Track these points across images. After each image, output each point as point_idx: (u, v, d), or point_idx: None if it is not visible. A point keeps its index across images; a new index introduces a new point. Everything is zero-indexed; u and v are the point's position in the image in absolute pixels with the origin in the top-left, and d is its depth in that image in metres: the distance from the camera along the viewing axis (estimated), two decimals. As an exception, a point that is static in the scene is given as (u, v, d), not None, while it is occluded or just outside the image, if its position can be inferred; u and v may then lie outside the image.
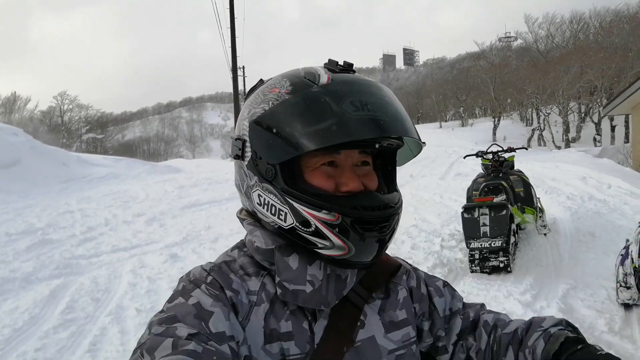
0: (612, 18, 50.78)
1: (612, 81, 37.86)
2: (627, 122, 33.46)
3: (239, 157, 1.21)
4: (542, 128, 41.34)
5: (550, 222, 8.69)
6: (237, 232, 9.58)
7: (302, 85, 1.14)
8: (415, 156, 1.41)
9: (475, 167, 14.09)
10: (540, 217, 8.28)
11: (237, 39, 29.94)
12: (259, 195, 1.19)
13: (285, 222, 1.15)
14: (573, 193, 11.03)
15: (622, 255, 5.54)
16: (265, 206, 1.18)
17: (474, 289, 6.28)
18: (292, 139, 1.08)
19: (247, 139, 1.18)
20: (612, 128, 37.28)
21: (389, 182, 1.30)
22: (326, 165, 1.15)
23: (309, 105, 1.09)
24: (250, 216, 1.27)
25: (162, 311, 1.08)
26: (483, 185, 7.98)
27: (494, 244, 6.62)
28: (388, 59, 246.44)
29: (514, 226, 7.29)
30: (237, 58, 30.01)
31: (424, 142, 1.26)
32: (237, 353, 1.06)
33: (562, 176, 13.11)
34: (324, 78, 1.14)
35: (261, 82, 1.28)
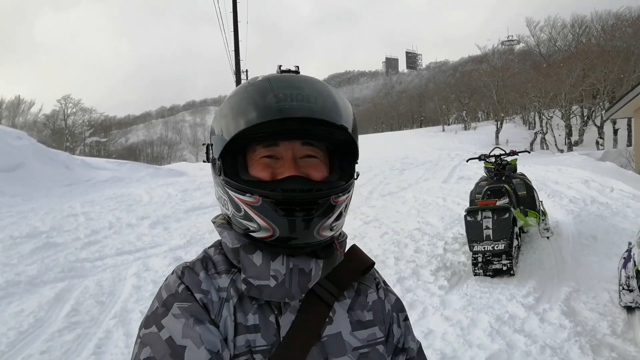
0: (614, 21, 50.67)
1: (615, 84, 37.79)
2: (629, 125, 33.41)
3: (207, 159, 1.34)
4: (544, 131, 41.27)
5: (552, 225, 8.71)
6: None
7: (239, 87, 1.29)
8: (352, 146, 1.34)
9: (478, 171, 14.11)
10: (542, 220, 8.30)
11: (240, 42, 30.00)
12: (216, 191, 1.34)
13: (228, 210, 1.27)
14: (575, 196, 11.05)
15: (624, 258, 5.56)
16: (219, 199, 1.32)
17: (477, 292, 6.30)
18: (224, 130, 1.23)
19: (210, 142, 1.32)
20: (615, 131, 37.21)
21: (344, 174, 1.32)
22: (266, 157, 1.24)
23: (238, 99, 1.24)
24: (223, 219, 1.35)
25: (139, 340, 1.17)
26: (486, 188, 8.00)
27: (497, 247, 6.64)
28: (391, 63, 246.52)
29: (516, 229, 7.31)
30: (241, 61, 30.06)
31: (342, 126, 1.24)
32: None
33: (565, 179, 13.12)
34: (261, 78, 1.27)
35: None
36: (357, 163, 1.36)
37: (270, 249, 1.22)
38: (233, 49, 29.79)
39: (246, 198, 1.20)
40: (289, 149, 1.24)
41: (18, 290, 6.97)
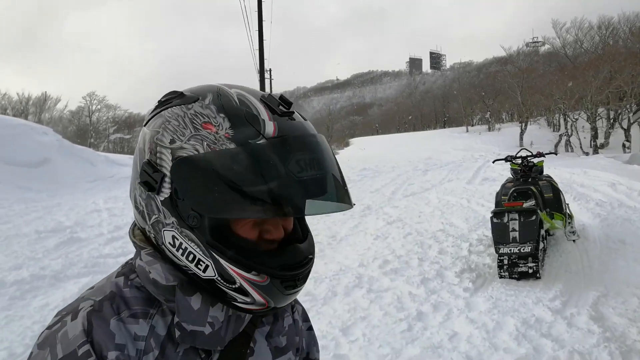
0: (642, 23, 50.09)
1: (642, 87, 37.32)
2: (657, 128, 32.96)
3: (153, 189, 1.07)
4: (569, 134, 40.88)
5: (579, 229, 8.59)
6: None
7: (245, 134, 1.01)
8: (334, 211, 1.17)
9: (502, 172, 14.01)
10: (569, 223, 8.19)
11: (264, 41, 30.08)
12: (174, 237, 1.06)
13: (204, 272, 1.05)
14: (602, 199, 10.90)
15: (654, 263, 5.45)
16: (182, 250, 1.06)
17: (503, 295, 6.22)
18: (233, 199, 0.99)
19: (168, 174, 1.04)
20: (642, 134, 36.77)
21: (300, 219, 1.22)
22: None
23: (254, 164, 0.99)
24: (147, 241, 1.14)
25: None
26: (512, 190, 7.92)
27: (524, 249, 6.55)
28: (414, 63, 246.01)
29: (543, 232, 7.22)
30: (265, 60, 30.14)
31: (354, 204, 1.16)
32: None
33: (591, 182, 12.97)
34: (270, 127, 1.02)
35: (180, 95, 1.13)
36: None
37: (210, 293, 1.08)
38: (257, 47, 29.84)
39: (251, 276, 1.04)
40: None
41: (43, 284, 7.01)
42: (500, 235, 6.74)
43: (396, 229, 9.74)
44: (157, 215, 1.08)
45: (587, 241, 8.17)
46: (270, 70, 31.83)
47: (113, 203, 13.53)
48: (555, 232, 8.31)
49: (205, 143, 1.01)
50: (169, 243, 1.07)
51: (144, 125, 1.14)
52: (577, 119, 40.30)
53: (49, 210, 12.38)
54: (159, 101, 1.15)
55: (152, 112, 1.14)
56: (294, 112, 1.10)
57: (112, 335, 1.01)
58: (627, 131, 36.86)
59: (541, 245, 6.98)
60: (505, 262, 6.75)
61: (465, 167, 20.18)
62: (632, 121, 34.19)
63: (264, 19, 29.94)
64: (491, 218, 6.92)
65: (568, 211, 8.35)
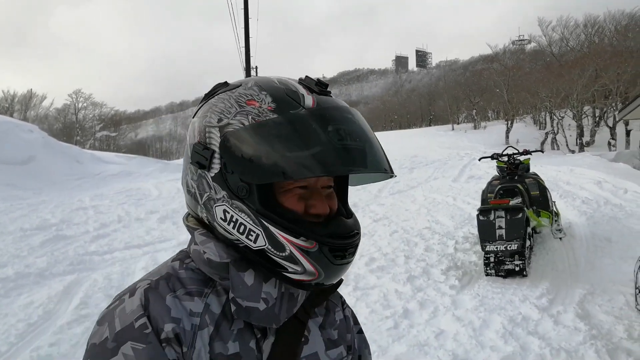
0: (627, 21, 50.38)
1: (628, 85, 37.54)
2: (642, 126, 33.21)
3: (204, 167, 1.13)
4: (555, 132, 41.07)
5: (565, 226, 8.63)
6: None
7: (287, 105, 1.09)
8: (376, 181, 1.37)
9: (488, 170, 14.04)
10: (555, 220, 8.22)
11: (250, 38, 29.98)
12: (225, 211, 1.12)
13: (255, 243, 1.10)
14: (588, 197, 10.95)
15: (640, 260, 5.47)
16: (232, 224, 1.11)
17: (489, 292, 6.24)
18: (279, 163, 1.04)
19: (217, 150, 1.11)
20: (627, 132, 36.98)
21: (344, 202, 1.28)
22: (300, 188, 1.13)
23: (297, 130, 1.06)
24: (201, 225, 1.19)
25: None
26: (498, 187, 7.93)
27: (510, 247, 6.56)
28: (401, 61, 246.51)
29: (529, 229, 7.23)
30: (251, 58, 30.05)
31: (395, 175, 1.23)
32: None
33: (577, 180, 13.03)
34: (309, 100, 1.11)
35: (225, 84, 1.21)
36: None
37: (264, 269, 1.12)
38: (244, 44, 29.77)
39: (300, 242, 1.07)
40: (321, 180, 1.15)
41: (28, 282, 6.96)
42: (486, 232, 6.75)
43: (382, 227, 9.74)
44: (208, 193, 1.14)
45: (574, 239, 8.21)
46: (256, 67, 31.67)
47: (99, 200, 13.46)
48: (542, 230, 8.35)
49: (250, 117, 1.09)
50: (221, 218, 1.12)
51: (193, 117, 1.21)
52: (563, 117, 40.49)
53: (35, 207, 12.31)
54: (205, 94, 1.23)
55: (200, 103, 1.22)
56: (330, 92, 1.18)
57: (168, 309, 1.05)
58: (612, 129, 37.11)
59: (528, 243, 6.99)
60: (492, 259, 6.77)
61: (451, 165, 20.21)
62: (617, 119, 34.37)
63: (250, 16, 29.88)
64: (477, 216, 6.93)
65: (554, 209, 8.38)
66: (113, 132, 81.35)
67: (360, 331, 1.46)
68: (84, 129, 77.51)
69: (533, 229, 7.79)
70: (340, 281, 1.25)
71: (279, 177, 1.05)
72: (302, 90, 1.13)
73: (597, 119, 41.11)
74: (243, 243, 1.11)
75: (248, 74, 29.88)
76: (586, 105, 39.95)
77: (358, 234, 1.18)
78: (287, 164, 1.04)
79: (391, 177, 1.21)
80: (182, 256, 1.19)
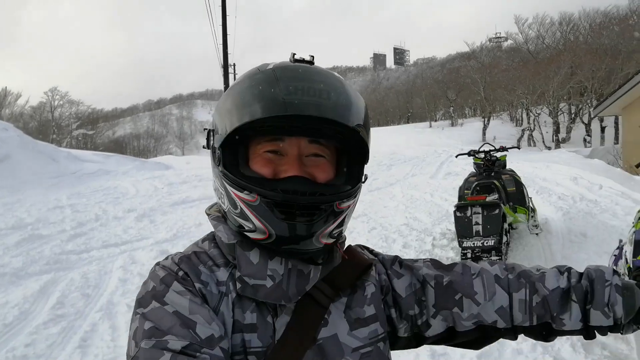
0: (601, 20, 51.07)
1: (602, 82, 38.07)
2: (616, 123, 33.66)
3: (207, 145, 1.26)
4: (532, 128, 41.48)
5: (542, 222, 8.70)
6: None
7: (248, 73, 1.20)
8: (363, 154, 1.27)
9: (465, 167, 14.13)
10: (532, 216, 8.29)
11: (228, 36, 29.88)
12: (213, 182, 1.26)
13: (224, 205, 1.21)
14: (564, 193, 11.06)
15: (615, 255, 5.53)
16: (216, 191, 1.25)
17: (467, 288, 6.27)
18: (227, 119, 1.15)
19: (212, 128, 1.24)
20: (602, 129, 37.48)
21: (352, 177, 1.25)
22: (269, 152, 1.16)
23: (244, 88, 1.15)
24: (218, 211, 1.28)
25: (139, 315, 1.08)
26: (475, 184, 7.99)
27: (487, 243, 6.61)
28: (378, 58, 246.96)
29: (506, 225, 7.29)
30: (229, 55, 29.94)
31: (354, 128, 1.16)
32: (228, 352, 1.08)
33: (553, 176, 13.15)
34: (271, 65, 1.17)
35: None
36: (366, 165, 1.28)
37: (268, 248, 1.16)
38: (221, 42, 29.66)
39: (244, 195, 1.13)
40: (295, 145, 1.17)
41: (3, 282, 6.88)
42: (463, 229, 6.79)
43: (361, 224, 9.76)
44: (212, 171, 1.27)
45: (550, 234, 8.29)
46: (234, 64, 31.56)
47: (77, 199, 13.32)
48: (518, 226, 8.41)
49: (231, 91, 1.21)
50: (214, 189, 1.27)
51: None
52: (539, 114, 40.96)
53: (10, 207, 12.16)
54: None
55: None
56: (310, 61, 1.21)
57: (198, 272, 1.15)
58: (587, 126, 37.59)
59: (504, 238, 7.05)
60: (469, 255, 6.81)
61: (429, 162, 20.32)
62: (592, 116, 34.79)
63: (228, 13, 29.75)
64: (454, 212, 6.97)
65: (531, 205, 8.45)
66: (90, 130, 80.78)
67: (399, 260, 1.40)
68: (61, 127, 76.87)
69: (510, 224, 7.85)
70: (364, 263, 1.30)
71: (224, 132, 1.15)
72: (275, 62, 1.20)
73: (573, 115, 41.62)
74: (222, 208, 1.23)
75: (226, 71, 29.78)
76: (562, 102, 40.47)
77: (324, 196, 1.15)
78: (229, 120, 1.14)
79: (354, 131, 1.17)
80: (211, 237, 1.28)
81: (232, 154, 1.18)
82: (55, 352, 5.00)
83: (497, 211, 6.76)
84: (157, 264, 1.19)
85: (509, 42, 69.13)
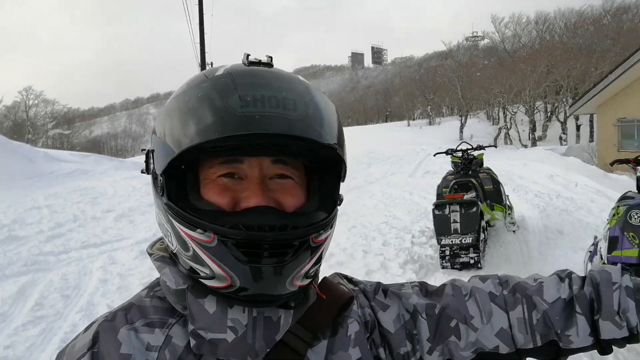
0: (576, 19, 51.61)
1: (577, 81, 38.51)
2: (592, 121, 34.08)
3: (145, 171, 1.03)
4: (508, 127, 41.81)
5: (518, 220, 8.81)
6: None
7: (193, 81, 0.96)
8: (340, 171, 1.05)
9: (443, 165, 14.22)
10: (509, 214, 8.39)
11: (205, 35, 29.77)
12: (156, 214, 1.01)
13: (172, 245, 0.96)
14: (541, 191, 11.20)
15: (590, 252, 5.64)
16: (161, 226, 1.00)
17: (445, 285, 6.34)
18: (170, 140, 0.91)
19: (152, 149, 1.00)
20: (578, 127, 37.94)
21: (325, 200, 1.03)
22: (225, 177, 0.95)
23: (190, 101, 0.91)
24: (164, 250, 1.04)
25: None
26: (453, 182, 8.06)
27: (465, 240, 6.69)
28: (357, 57, 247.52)
29: (483, 223, 7.38)
30: (206, 54, 29.84)
31: (335, 144, 0.96)
32: None
33: (530, 174, 13.30)
34: (220, 71, 0.95)
35: None
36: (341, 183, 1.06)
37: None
38: (199, 40, 29.56)
39: (197, 235, 0.89)
40: (256, 167, 0.95)
41: (-20, 284, 6.82)
42: (441, 226, 6.86)
43: (340, 222, 9.77)
44: (154, 201, 1.02)
45: (527, 232, 8.40)
46: (211, 63, 31.45)
47: (54, 200, 13.19)
48: (496, 223, 8.51)
49: (173, 104, 0.96)
50: (158, 223, 1.01)
51: None
52: (515, 113, 41.26)
53: (-15, 208, 12.02)
54: None
55: None
56: (269, 64, 0.99)
57: (118, 344, 0.91)
58: (563, 124, 37.96)
59: (482, 236, 7.14)
60: (447, 253, 6.88)
61: (407, 160, 20.45)
62: (568, 114, 35.16)
63: (205, 11, 29.66)
64: (433, 210, 7.04)
65: (508, 202, 8.55)
66: (66, 130, 79.98)
67: (384, 288, 1.17)
68: (36, 127, 76.04)
69: (487, 222, 7.94)
70: (343, 298, 1.07)
71: (165, 158, 0.91)
72: (225, 66, 0.97)
73: (549, 114, 42.03)
74: (172, 248, 0.97)
75: (203, 68, 29.62)
76: (538, 100, 40.84)
77: (297, 229, 0.92)
78: (172, 142, 0.90)
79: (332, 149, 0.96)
80: (154, 283, 1.05)
81: (178, 181, 0.95)
82: (35, 353, 4.97)
83: (474, 209, 6.84)
84: (77, 337, 0.97)
85: (486, 41, 69.73)
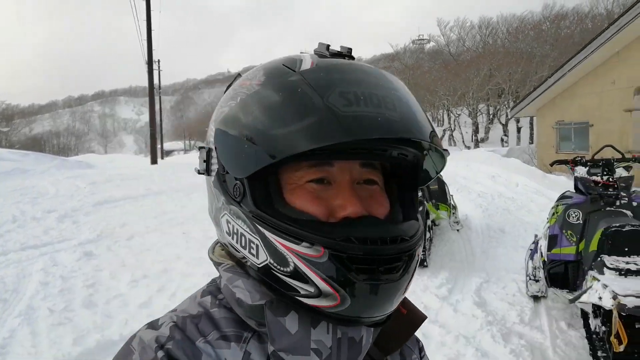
0: (518, 24, 52.74)
1: (519, 85, 39.36)
2: (532, 123, 34.98)
3: (204, 171, 0.94)
4: (452, 128, 42.52)
5: (462, 219, 8.97)
6: (153, 230, 9.41)
7: (276, 74, 0.86)
8: (438, 173, 1.03)
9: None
10: (453, 213, 8.54)
11: (153, 31, 29.40)
12: (227, 222, 0.89)
13: (257, 258, 0.84)
14: (483, 191, 11.43)
15: (531, 250, 5.80)
16: (235, 236, 0.88)
17: (392, 284, 6.40)
18: (260, 143, 0.80)
19: (213, 147, 0.90)
20: (518, 129, 38.86)
21: (407, 207, 0.96)
22: (314, 182, 0.85)
23: (282, 98, 0.81)
24: (229, 256, 0.94)
25: None
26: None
27: (411, 239, 6.76)
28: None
29: (429, 222, 7.48)
30: (153, 51, 29.46)
31: (446, 150, 0.93)
32: None
33: (473, 175, 13.55)
34: (307, 64, 0.85)
35: (238, 76, 0.98)
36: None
37: (311, 311, 0.83)
38: (146, 38, 29.18)
39: (302, 249, 0.78)
40: (347, 171, 0.87)
41: None
42: (388, 226, 6.92)
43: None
44: (214, 204, 0.93)
45: (470, 230, 8.56)
46: (159, 60, 31.13)
47: (-9, 199, 12.83)
48: (441, 222, 8.64)
49: (239, 97, 0.87)
50: (226, 232, 0.90)
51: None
52: (459, 115, 42.00)
53: None
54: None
55: None
56: (350, 55, 0.92)
57: (197, 355, 0.81)
58: (505, 126, 38.82)
59: (427, 234, 7.24)
60: (394, 251, 6.94)
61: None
62: (509, 117, 35.97)
63: (153, 8, 29.28)
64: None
65: (452, 202, 8.70)
66: (4, 127, 77.67)
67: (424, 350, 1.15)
68: (-28, 124, 73.67)
69: (432, 221, 8.05)
70: (419, 319, 1.00)
71: (258, 163, 0.80)
72: (305, 57, 0.89)
73: (491, 116, 42.87)
74: (249, 261, 0.86)
75: (150, 67, 29.26)
76: (481, 103, 41.63)
77: (406, 241, 0.83)
78: (267, 145, 0.79)
79: (443, 156, 0.96)
80: (214, 289, 0.94)
81: (260, 185, 0.85)
82: (-27, 357, 4.83)
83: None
84: (137, 337, 0.84)
85: (432, 44, 70.59)
